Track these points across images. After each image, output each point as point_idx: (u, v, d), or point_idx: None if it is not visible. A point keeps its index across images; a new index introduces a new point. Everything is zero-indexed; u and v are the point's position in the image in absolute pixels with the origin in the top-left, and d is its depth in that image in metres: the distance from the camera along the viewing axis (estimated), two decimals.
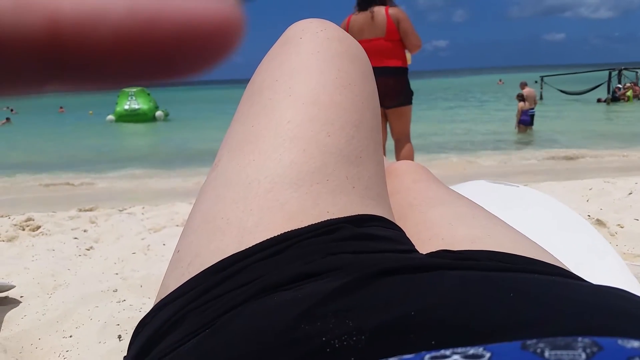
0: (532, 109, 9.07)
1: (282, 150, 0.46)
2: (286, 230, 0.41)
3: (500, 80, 34.18)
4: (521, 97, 9.11)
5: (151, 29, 0.11)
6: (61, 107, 24.08)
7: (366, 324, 0.32)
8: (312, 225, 0.42)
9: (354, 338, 0.31)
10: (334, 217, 0.43)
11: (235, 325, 0.35)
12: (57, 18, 0.10)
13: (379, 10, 3.19)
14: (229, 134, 0.53)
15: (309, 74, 0.53)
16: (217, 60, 0.12)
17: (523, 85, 10.14)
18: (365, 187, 0.48)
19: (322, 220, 0.43)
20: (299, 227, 0.42)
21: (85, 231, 2.77)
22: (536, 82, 20.90)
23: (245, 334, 0.33)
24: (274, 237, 0.41)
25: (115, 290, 1.91)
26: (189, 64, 0.12)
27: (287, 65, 0.54)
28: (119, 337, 1.57)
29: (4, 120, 16.79)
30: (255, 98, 0.53)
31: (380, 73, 3.23)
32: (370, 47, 3.17)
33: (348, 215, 0.44)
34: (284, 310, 0.34)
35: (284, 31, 0.60)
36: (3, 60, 0.10)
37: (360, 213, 0.45)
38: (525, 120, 8.94)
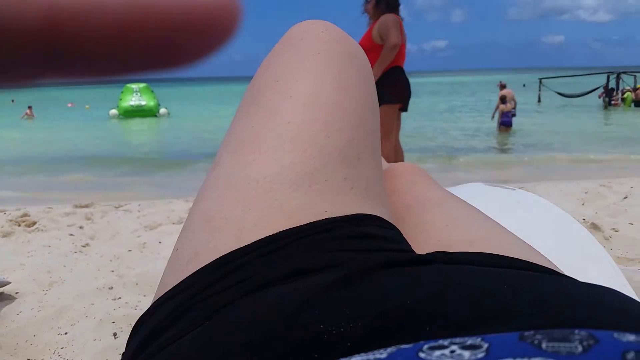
0: (514, 109, 9.18)
1: (282, 151, 0.46)
2: (285, 229, 0.42)
3: (500, 82, 34.31)
4: (503, 99, 9.18)
5: (148, 17, 0.11)
6: (71, 102, 23.95)
7: (363, 312, 0.33)
8: (310, 223, 0.42)
9: (351, 325, 0.32)
10: (333, 216, 0.44)
11: (235, 316, 0.35)
12: (55, 7, 0.10)
13: None
14: (230, 133, 0.53)
15: (309, 75, 0.53)
16: (214, 49, 0.12)
17: (501, 86, 10.25)
18: (364, 188, 0.49)
19: (321, 219, 0.43)
20: (298, 225, 0.42)
21: (81, 228, 2.77)
22: (524, 85, 21.00)
23: (245, 323, 0.34)
24: (273, 234, 0.41)
25: (111, 288, 1.91)
26: (185, 53, 0.12)
27: (288, 66, 0.55)
28: (115, 334, 1.57)
29: (28, 111, 16.34)
30: (256, 98, 0.54)
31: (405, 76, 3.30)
32: (404, 51, 3.26)
33: (346, 214, 0.45)
34: (283, 301, 0.35)
35: (282, 30, 0.60)
36: (1, 49, 0.10)
37: (358, 212, 0.46)
38: (506, 122, 9.03)
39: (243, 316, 0.35)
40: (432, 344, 0.27)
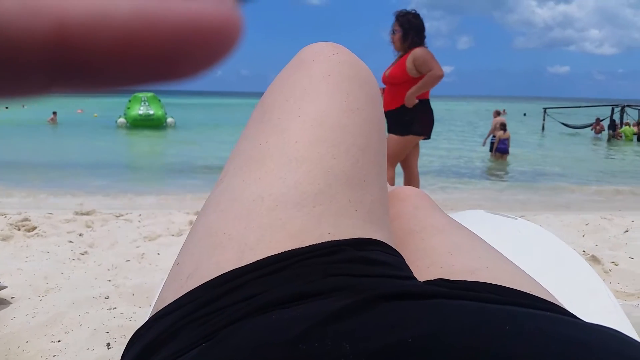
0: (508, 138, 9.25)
1: (288, 170, 0.47)
2: (287, 249, 0.42)
3: (503, 110, 34.67)
4: (503, 126, 9.27)
5: (153, 30, 0.11)
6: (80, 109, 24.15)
7: (363, 348, 0.32)
8: (313, 245, 0.42)
9: None
10: (335, 239, 0.44)
11: (234, 340, 0.35)
12: (63, 20, 0.11)
13: None
14: (237, 149, 0.54)
15: (318, 96, 0.53)
16: (216, 61, 0.13)
17: (496, 113, 10.35)
18: (368, 211, 0.49)
19: (324, 241, 0.43)
20: (300, 246, 0.42)
21: (80, 235, 2.77)
22: (525, 114, 21.15)
23: (244, 349, 0.34)
24: (275, 254, 0.41)
25: (107, 297, 1.90)
26: (189, 65, 0.12)
27: (298, 87, 0.55)
28: (108, 345, 1.56)
29: (53, 116, 16.37)
30: (265, 116, 0.54)
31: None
32: None
33: (349, 237, 0.44)
34: (283, 328, 0.35)
35: (289, 48, 0.60)
36: (10, 62, 0.10)
37: (361, 236, 0.45)
38: (503, 149, 9.13)
39: (242, 341, 0.35)
40: None
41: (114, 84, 0.12)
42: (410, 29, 3.23)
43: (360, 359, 0.31)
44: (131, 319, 1.74)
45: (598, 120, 15.90)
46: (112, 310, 1.80)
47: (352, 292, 0.38)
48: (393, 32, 3.30)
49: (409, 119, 3.24)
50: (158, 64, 0.12)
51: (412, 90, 3.17)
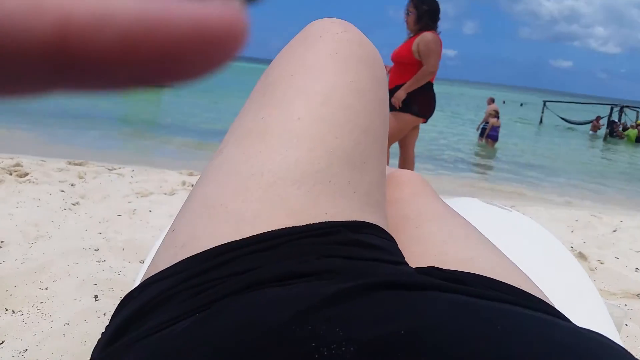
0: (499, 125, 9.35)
1: (289, 147, 0.46)
2: (284, 226, 0.42)
3: (503, 101, 34.46)
4: (497, 114, 9.36)
5: (158, 32, 0.11)
6: None
7: (356, 336, 0.32)
8: (309, 224, 0.42)
9: (343, 348, 0.31)
10: (332, 220, 0.44)
11: (227, 316, 0.35)
12: (66, 21, 0.10)
13: None
14: (238, 121, 0.53)
15: (324, 74, 0.53)
16: (221, 64, 0.12)
17: (490, 100, 10.37)
18: (366, 194, 0.49)
19: (320, 221, 0.43)
20: (297, 224, 0.42)
21: (72, 185, 2.75)
22: (522, 105, 21.07)
23: (237, 326, 0.34)
24: (271, 231, 0.41)
25: (97, 250, 1.90)
26: (193, 68, 0.12)
27: (304, 63, 0.55)
28: (95, 297, 1.57)
29: None
30: (268, 90, 0.54)
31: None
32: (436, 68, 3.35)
33: (346, 219, 0.45)
34: (277, 307, 0.35)
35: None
36: (11, 62, 0.10)
37: (357, 219, 0.46)
38: (494, 136, 9.24)
39: (234, 318, 0.35)
40: None
41: (116, 85, 0.12)
42: (424, 13, 3.22)
43: (353, 346, 0.31)
44: (120, 273, 1.74)
45: (598, 118, 15.86)
46: (101, 263, 1.80)
47: (345, 276, 0.38)
48: (407, 13, 3.27)
49: (409, 98, 3.23)
50: (162, 66, 0.11)
51: (404, 88, 3.18)
